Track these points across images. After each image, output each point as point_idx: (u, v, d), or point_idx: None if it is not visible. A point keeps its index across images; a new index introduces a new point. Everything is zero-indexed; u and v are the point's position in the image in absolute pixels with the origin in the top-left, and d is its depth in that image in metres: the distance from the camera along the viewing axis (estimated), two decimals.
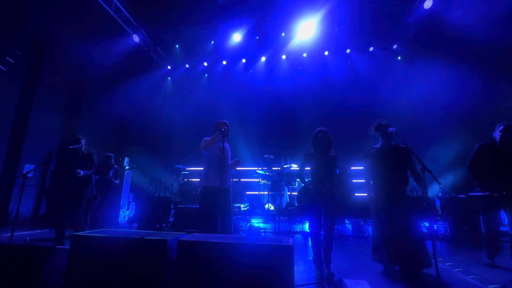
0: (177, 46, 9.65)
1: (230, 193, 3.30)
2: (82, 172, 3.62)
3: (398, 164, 2.88)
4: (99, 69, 8.11)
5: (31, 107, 6.55)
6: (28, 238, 4.05)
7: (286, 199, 7.16)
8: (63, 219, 3.57)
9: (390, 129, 2.90)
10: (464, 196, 4.64)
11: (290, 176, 6.97)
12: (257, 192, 8.07)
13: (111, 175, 5.21)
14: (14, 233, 3.15)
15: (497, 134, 3.25)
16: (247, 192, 8.14)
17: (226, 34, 8.71)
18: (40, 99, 6.71)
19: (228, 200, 3.19)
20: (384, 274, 2.77)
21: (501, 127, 3.20)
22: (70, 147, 3.64)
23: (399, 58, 8.75)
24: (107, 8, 7.08)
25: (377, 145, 3.09)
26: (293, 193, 7.84)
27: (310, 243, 2.83)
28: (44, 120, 6.66)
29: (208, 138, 3.26)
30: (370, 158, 3.05)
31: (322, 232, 2.80)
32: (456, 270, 2.96)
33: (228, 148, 3.44)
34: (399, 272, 2.75)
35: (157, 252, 1.90)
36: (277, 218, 5.48)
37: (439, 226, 5.39)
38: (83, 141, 3.84)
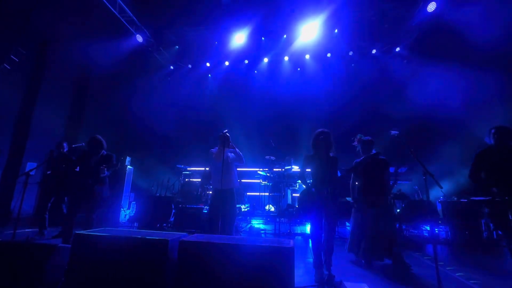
0: (176, 47, 9.69)
1: (233, 194, 3.50)
2: (106, 172, 3.61)
3: (375, 173, 3.31)
4: (102, 68, 8.14)
5: (35, 106, 6.59)
6: (30, 235, 4.08)
7: (288, 201, 7.14)
8: (74, 218, 3.53)
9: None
10: (465, 200, 4.63)
11: (291, 178, 6.96)
12: (258, 193, 8.07)
13: None
14: (16, 231, 3.19)
15: (491, 139, 3.10)
16: (247, 193, 8.13)
17: (229, 35, 8.74)
18: (43, 97, 6.74)
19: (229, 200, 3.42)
20: (379, 273, 2.77)
21: (493, 131, 3.05)
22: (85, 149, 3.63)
23: (405, 61, 8.72)
24: (111, 8, 7.11)
25: (360, 158, 3.48)
26: (293, 194, 7.83)
27: (310, 245, 2.83)
28: (47, 119, 6.69)
29: (213, 150, 3.62)
30: (354, 167, 3.44)
31: (323, 235, 2.80)
32: (457, 274, 2.95)
33: (228, 152, 3.56)
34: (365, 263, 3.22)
35: (158, 252, 1.91)
36: (277, 220, 5.48)
37: (441, 230, 5.36)
38: (103, 144, 3.79)
